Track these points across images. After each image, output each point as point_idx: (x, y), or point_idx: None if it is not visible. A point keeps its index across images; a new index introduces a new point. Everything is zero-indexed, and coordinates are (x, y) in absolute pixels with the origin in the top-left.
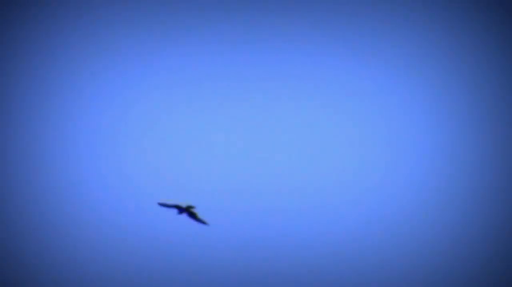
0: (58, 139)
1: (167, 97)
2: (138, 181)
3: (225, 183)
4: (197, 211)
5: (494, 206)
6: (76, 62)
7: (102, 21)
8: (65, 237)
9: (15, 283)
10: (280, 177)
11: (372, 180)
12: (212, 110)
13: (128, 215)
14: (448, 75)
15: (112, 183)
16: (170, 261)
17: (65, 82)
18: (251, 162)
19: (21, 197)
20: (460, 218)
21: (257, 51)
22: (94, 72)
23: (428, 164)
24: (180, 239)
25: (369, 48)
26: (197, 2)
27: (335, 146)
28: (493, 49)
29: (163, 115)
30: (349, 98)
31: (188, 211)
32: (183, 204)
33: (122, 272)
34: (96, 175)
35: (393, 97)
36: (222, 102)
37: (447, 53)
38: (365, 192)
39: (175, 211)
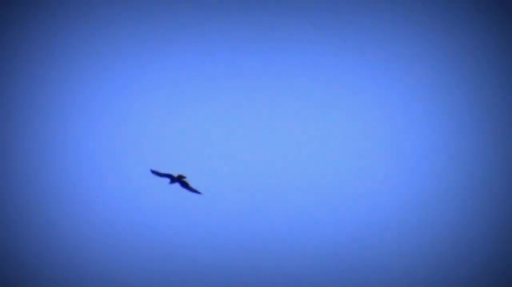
0: (58, 140)
1: (167, 97)
2: (137, 181)
3: (225, 183)
4: (188, 180)
5: (494, 206)
6: (76, 62)
7: (102, 21)
8: (65, 237)
9: (15, 283)
10: (280, 177)
11: (372, 179)
12: (212, 110)
13: (128, 215)
14: (448, 75)
15: (112, 183)
16: (170, 261)
17: (65, 82)
18: (251, 162)
19: (21, 197)
20: (460, 218)
21: (257, 50)
22: (94, 72)
23: (428, 164)
24: (179, 239)
25: (369, 47)
26: (197, 2)
27: (335, 146)
28: (493, 49)
29: (163, 115)
30: (349, 98)
31: (180, 180)
32: (175, 173)
33: (122, 272)
34: (96, 175)
35: (393, 97)
36: (222, 102)
37: (447, 53)
38: (364, 191)
39: (167, 180)
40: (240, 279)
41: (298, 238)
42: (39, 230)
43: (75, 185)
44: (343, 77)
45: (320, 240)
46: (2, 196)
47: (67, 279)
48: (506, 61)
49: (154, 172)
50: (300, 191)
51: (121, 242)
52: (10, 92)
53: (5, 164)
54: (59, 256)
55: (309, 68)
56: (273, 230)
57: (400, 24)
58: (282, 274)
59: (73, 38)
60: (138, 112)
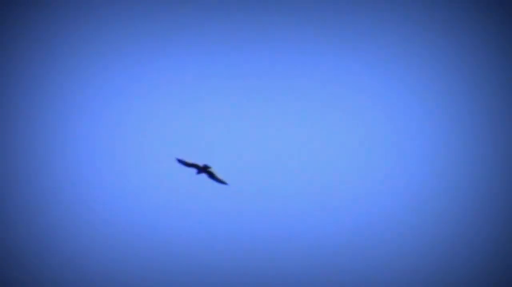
0: (58, 139)
1: (167, 97)
2: (138, 181)
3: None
4: (214, 170)
5: (494, 206)
6: (76, 62)
7: (102, 21)
8: (65, 237)
9: (15, 283)
10: (280, 176)
11: (372, 179)
12: (212, 110)
13: (128, 215)
14: (448, 75)
15: (112, 183)
16: (170, 261)
17: (65, 82)
18: (251, 162)
19: (21, 197)
20: (460, 218)
21: (257, 50)
22: (94, 72)
23: (428, 164)
24: (180, 239)
25: (369, 47)
26: (197, 2)
27: (335, 146)
28: (493, 49)
29: (163, 115)
30: (349, 98)
31: (206, 170)
32: (200, 163)
33: (122, 272)
34: (96, 174)
35: (393, 97)
36: (222, 102)
37: (447, 53)
38: (364, 191)
39: (193, 170)
40: (240, 279)
41: (298, 237)
42: (39, 230)
43: (75, 184)
44: (343, 77)
45: (320, 240)
46: (2, 196)
47: (67, 279)
48: (506, 61)
49: (181, 161)
50: (300, 191)
51: (121, 242)
52: (10, 92)
53: (5, 164)
54: (59, 256)
55: (309, 68)
56: (273, 230)
57: (400, 24)
58: (282, 274)
59: (73, 38)
60: (138, 111)
